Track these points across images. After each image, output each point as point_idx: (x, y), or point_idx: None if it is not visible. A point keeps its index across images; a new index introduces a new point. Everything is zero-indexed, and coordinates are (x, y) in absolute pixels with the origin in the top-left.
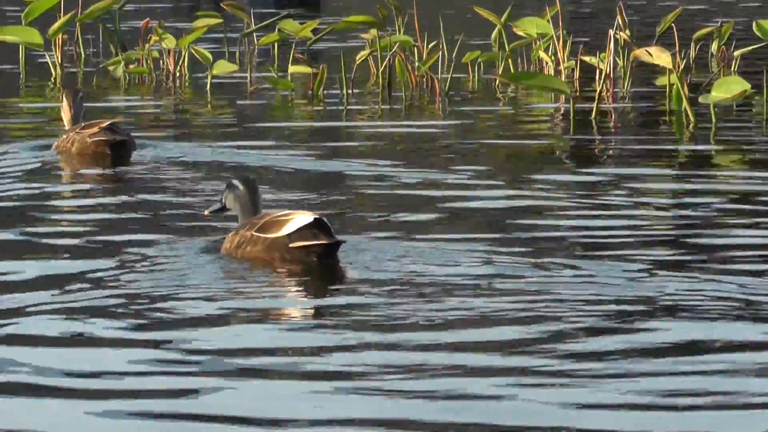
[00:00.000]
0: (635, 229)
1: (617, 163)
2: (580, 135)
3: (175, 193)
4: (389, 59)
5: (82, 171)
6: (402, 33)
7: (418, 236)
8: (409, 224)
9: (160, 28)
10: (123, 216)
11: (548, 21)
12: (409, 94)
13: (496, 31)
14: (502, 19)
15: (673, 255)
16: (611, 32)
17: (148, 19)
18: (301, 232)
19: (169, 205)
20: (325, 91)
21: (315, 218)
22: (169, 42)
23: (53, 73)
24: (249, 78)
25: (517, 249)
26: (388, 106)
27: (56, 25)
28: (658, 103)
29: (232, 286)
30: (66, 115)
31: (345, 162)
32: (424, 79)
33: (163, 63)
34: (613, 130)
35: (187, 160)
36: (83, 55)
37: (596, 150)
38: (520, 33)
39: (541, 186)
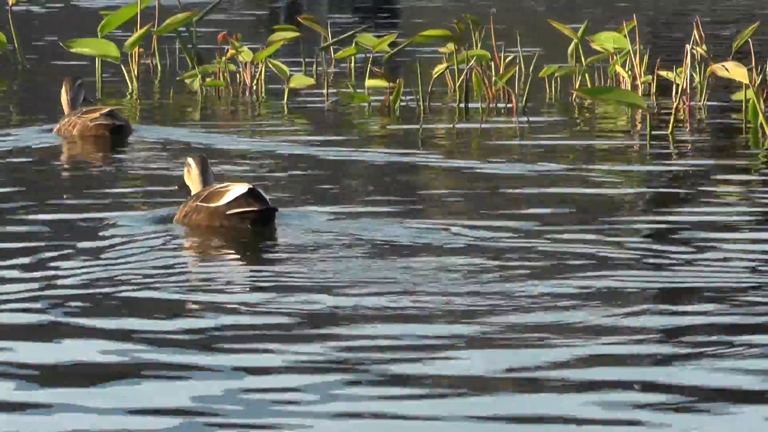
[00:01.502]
0: (710, 243)
1: (693, 177)
2: (656, 149)
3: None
4: (466, 73)
5: (81, 153)
6: (479, 47)
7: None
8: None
9: (237, 41)
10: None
11: (625, 36)
12: (485, 108)
13: (572, 45)
14: (579, 34)
15: (752, 276)
16: (688, 47)
17: (225, 32)
18: (237, 201)
19: (151, 183)
20: (401, 105)
21: (249, 188)
22: (246, 55)
23: (129, 86)
24: (326, 92)
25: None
26: (465, 123)
27: (133, 38)
28: (734, 117)
29: (171, 254)
30: (64, 100)
31: (418, 175)
32: (501, 94)
33: (240, 76)
34: (689, 144)
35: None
36: (159, 68)
37: (672, 165)
38: (597, 47)
39: (615, 198)
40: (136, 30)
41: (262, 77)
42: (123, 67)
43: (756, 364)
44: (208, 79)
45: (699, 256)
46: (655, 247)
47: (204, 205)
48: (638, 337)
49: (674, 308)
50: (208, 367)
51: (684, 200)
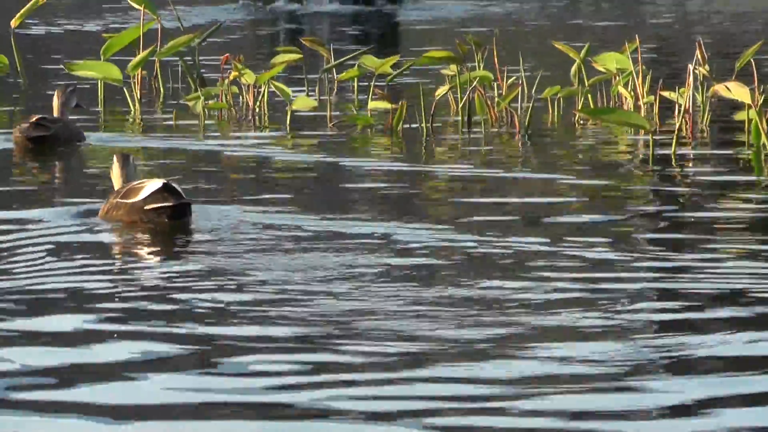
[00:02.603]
0: (712, 262)
1: (696, 197)
2: (659, 169)
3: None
4: (469, 94)
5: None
6: (482, 68)
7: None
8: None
9: (240, 63)
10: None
11: (627, 56)
12: (488, 130)
13: (575, 66)
14: (582, 55)
15: (756, 303)
16: (690, 67)
17: (227, 54)
18: (153, 196)
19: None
20: (404, 127)
21: (164, 183)
22: (249, 77)
23: (132, 108)
24: (329, 113)
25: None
26: (468, 145)
27: (135, 60)
28: (737, 137)
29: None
30: (54, 104)
31: (422, 201)
32: (504, 115)
33: (243, 98)
34: (692, 164)
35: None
36: (162, 91)
37: (676, 184)
38: (600, 68)
39: (618, 217)
40: (139, 52)
41: (265, 99)
42: (125, 90)
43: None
44: (210, 102)
45: (700, 275)
46: (656, 265)
47: (123, 201)
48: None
49: (681, 334)
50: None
51: (686, 220)
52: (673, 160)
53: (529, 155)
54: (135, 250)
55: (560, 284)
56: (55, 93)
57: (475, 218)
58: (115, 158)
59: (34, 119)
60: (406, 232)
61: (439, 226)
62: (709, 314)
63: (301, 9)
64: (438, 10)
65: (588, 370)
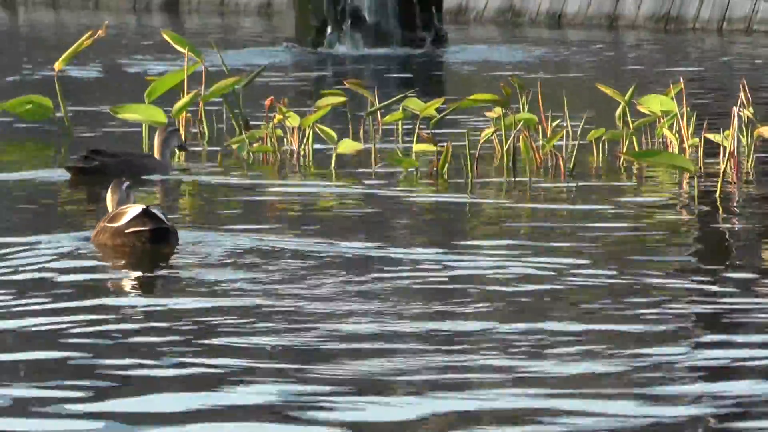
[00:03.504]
0: (760, 305)
1: (741, 240)
2: (704, 211)
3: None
4: (513, 137)
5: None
6: (526, 111)
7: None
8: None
9: (284, 106)
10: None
11: (672, 98)
12: (533, 172)
13: (620, 108)
14: (626, 97)
15: None
16: (734, 109)
17: (272, 97)
18: (134, 221)
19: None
20: (449, 169)
21: (143, 208)
22: (293, 120)
23: (176, 151)
24: (373, 156)
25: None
26: (513, 186)
27: (180, 103)
28: None
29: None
30: (156, 143)
31: (467, 242)
32: (549, 157)
33: (287, 141)
34: (737, 207)
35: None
36: (207, 134)
37: (720, 227)
38: (644, 110)
39: (662, 260)
40: (183, 95)
41: (310, 142)
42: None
43: None
44: (255, 145)
45: (743, 318)
46: (698, 310)
47: (108, 225)
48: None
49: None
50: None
51: (730, 263)
52: (718, 202)
53: (574, 196)
54: (115, 273)
55: (591, 321)
56: (156, 132)
57: (520, 252)
58: (110, 186)
59: (84, 152)
60: (451, 260)
61: (486, 255)
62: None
63: (345, 52)
64: (482, 53)
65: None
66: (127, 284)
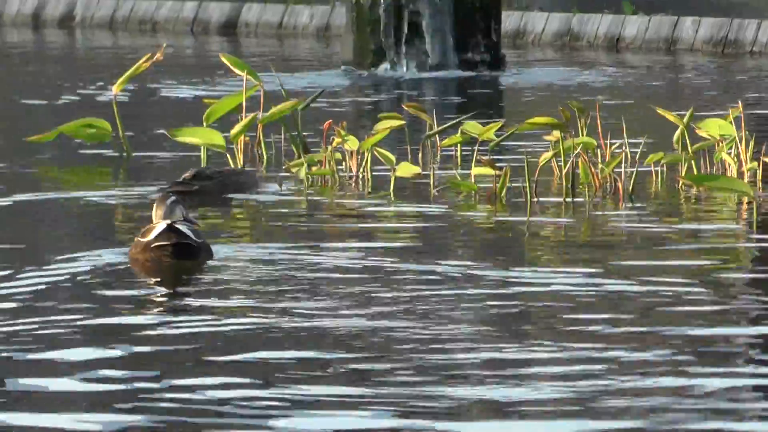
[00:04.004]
0: None
1: None
2: (763, 237)
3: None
4: (572, 161)
5: None
6: (585, 134)
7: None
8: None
9: (343, 129)
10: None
11: (731, 122)
12: (592, 196)
13: (678, 132)
14: (685, 120)
15: None
16: None
17: (330, 120)
18: (160, 235)
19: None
20: (508, 192)
21: (168, 224)
22: (352, 143)
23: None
24: (432, 180)
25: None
26: (572, 209)
27: (238, 127)
28: None
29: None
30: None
31: (524, 266)
32: (608, 181)
33: (346, 164)
34: None
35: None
36: (265, 157)
37: None
38: (703, 134)
39: (721, 283)
40: (242, 119)
41: (368, 165)
42: (228, 156)
43: None
44: (314, 168)
45: None
46: (760, 331)
47: (139, 240)
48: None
49: None
50: None
51: None
52: None
53: (633, 220)
54: (142, 288)
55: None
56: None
57: (579, 273)
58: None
59: (186, 174)
60: (510, 278)
61: (545, 275)
62: None
63: (404, 75)
64: (540, 76)
65: None
66: (159, 299)
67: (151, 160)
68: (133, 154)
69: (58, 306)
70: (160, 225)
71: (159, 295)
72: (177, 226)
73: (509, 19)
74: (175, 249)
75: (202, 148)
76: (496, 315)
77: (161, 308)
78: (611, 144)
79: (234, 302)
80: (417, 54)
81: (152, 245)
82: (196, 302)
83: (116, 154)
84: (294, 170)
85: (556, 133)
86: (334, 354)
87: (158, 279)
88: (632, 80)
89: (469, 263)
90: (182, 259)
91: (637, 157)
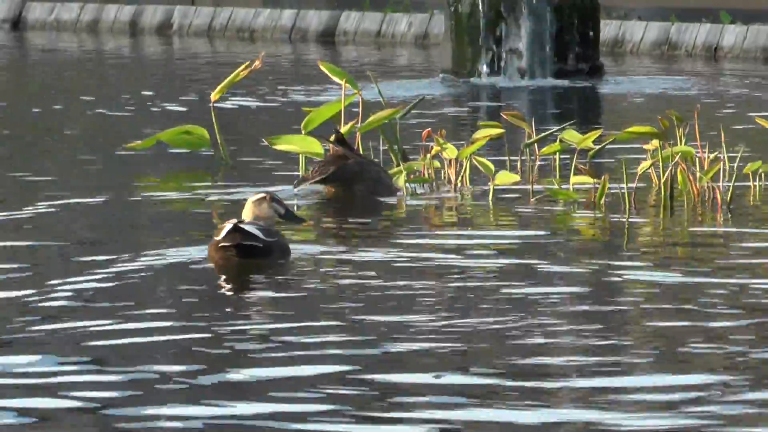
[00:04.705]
0: None
1: None
2: None
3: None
4: (671, 170)
5: None
6: (683, 143)
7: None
8: None
9: (441, 137)
10: None
11: None
12: (691, 204)
13: None
14: None
15: None
16: None
17: (429, 129)
18: (226, 236)
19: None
20: (606, 201)
21: (234, 224)
22: (451, 152)
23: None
24: (530, 188)
25: None
26: (671, 218)
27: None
28: None
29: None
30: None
31: (624, 253)
32: (706, 190)
33: (445, 173)
34: None
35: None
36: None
37: None
38: None
39: None
40: (340, 127)
41: (467, 174)
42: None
43: None
44: (413, 176)
45: None
46: None
47: (214, 239)
48: None
49: None
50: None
51: None
52: None
53: (731, 230)
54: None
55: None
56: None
57: (680, 281)
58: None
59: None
60: (610, 281)
61: (645, 275)
62: None
63: (502, 83)
64: (638, 85)
65: None
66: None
67: (248, 168)
68: (231, 161)
69: (131, 304)
70: (228, 224)
71: (226, 291)
72: (243, 226)
73: (607, 28)
74: (238, 249)
75: (300, 156)
76: (602, 315)
77: (228, 303)
78: (709, 153)
79: (309, 302)
80: (515, 63)
81: (219, 245)
82: (258, 300)
83: (214, 161)
84: (393, 178)
85: (655, 142)
86: (444, 347)
87: (225, 277)
88: (730, 89)
89: (569, 266)
90: (248, 258)
91: (736, 166)
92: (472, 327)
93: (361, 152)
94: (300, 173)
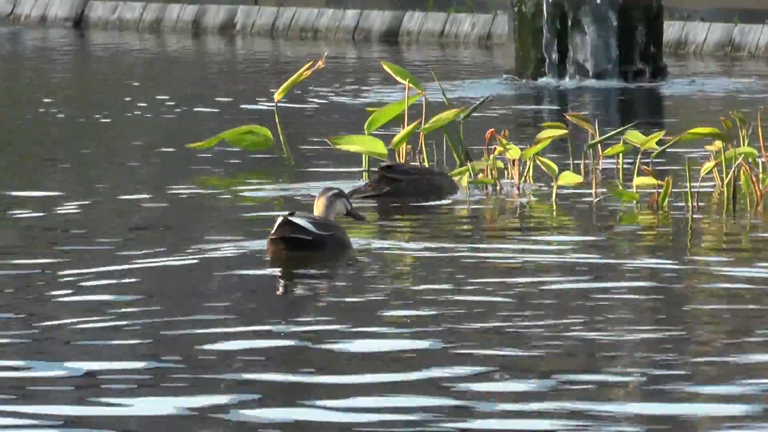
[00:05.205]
0: None
1: None
2: None
3: None
4: (734, 171)
5: None
6: (746, 144)
7: None
8: None
9: (505, 138)
10: None
11: None
12: (753, 206)
13: None
14: None
15: None
16: None
17: (493, 129)
18: (277, 229)
19: None
20: (670, 202)
21: (283, 217)
22: (514, 152)
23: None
24: (594, 189)
25: None
26: (733, 219)
27: (400, 135)
28: None
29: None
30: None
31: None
32: None
33: (508, 173)
34: None
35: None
36: (427, 165)
37: None
38: None
39: None
40: (403, 127)
41: (530, 174)
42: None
43: None
44: (476, 177)
45: None
46: None
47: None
48: None
49: None
50: None
51: None
52: None
53: None
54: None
55: None
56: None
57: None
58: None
59: (378, 168)
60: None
61: (709, 272)
62: None
63: (565, 84)
64: (701, 86)
65: None
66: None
67: (311, 168)
68: (294, 161)
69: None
70: (280, 218)
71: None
72: (293, 219)
73: (670, 30)
74: (286, 242)
75: (363, 156)
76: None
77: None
78: None
79: (367, 296)
80: (579, 63)
81: (270, 238)
82: (306, 293)
83: (277, 161)
84: (456, 178)
85: (718, 143)
86: (503, 351)
87: (280, 268)
88: None
89: (633, 265)
90: (297, 251)
91: None
92: (536, 328)
93: (424, 153)
94: (363, 173)
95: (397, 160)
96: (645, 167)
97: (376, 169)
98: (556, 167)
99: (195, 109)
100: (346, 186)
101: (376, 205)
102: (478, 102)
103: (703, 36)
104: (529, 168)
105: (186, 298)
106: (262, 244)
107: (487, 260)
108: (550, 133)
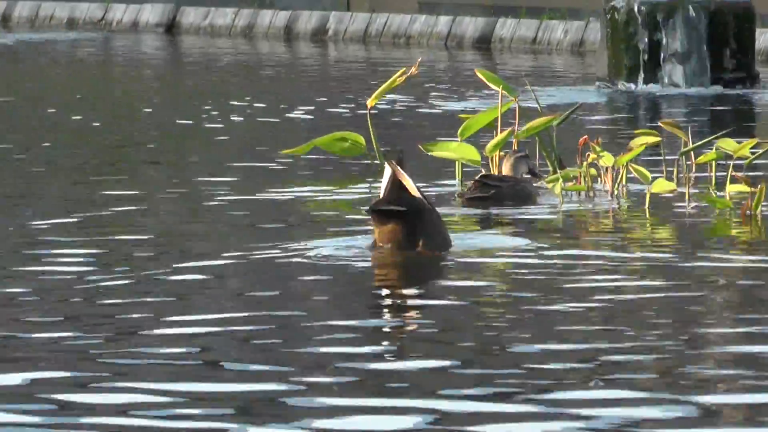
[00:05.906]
0: None
1: None
2: None
3: None
4: None
5: None
6: None
7: None
8: None
9: (598, 145)
10: None
11: None
12: None
13: None
14: None
15: None
16: None
17: (586, 136)
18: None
19: None
20: (763, 210)
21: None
22: (607, 160)
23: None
24: (687, 196)
25: None
26: None
27: (494, 141)
28: None
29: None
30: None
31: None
32: None
33: (601, 180)
34: None
35: None
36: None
37: None
38: None
39: None
40: (497, 134)
41: (624, 181)
42: (483, 171)
43: None
44: (569, 184)
45: None
46: None
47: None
48: None
49: None
50: None
51: None
52: None
53: None
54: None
55: None
56: (505, 158)
57: None
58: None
59: (476, 178)
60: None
61: None
62: None
63: (659, 91)
64: None
65: None
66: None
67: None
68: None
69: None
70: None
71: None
72: (380, 207)
73: (763, 37)
74: (373, 214)
75: (456, 162)
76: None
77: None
78: None
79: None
80: (671, 70)
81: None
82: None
83: (370, 166)
84: (549, 185)
85: None
86: (582, 345)
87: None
88: None
89: (727, 271)
90: (383, 224)
91: None
92: (625, 337)
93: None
94: (457, 181)
95: (491, 166)
96: (738, 175)
97: (473, 181)
98: (649, 174)
99: (287, 115)
100: (440, 192)
101: (479, 212)
102: (571, 109)
103: None
104: (622, 175)
105: (274, 294)
106: (366, 240)
107: (583, 267)
108: (643, 141)
